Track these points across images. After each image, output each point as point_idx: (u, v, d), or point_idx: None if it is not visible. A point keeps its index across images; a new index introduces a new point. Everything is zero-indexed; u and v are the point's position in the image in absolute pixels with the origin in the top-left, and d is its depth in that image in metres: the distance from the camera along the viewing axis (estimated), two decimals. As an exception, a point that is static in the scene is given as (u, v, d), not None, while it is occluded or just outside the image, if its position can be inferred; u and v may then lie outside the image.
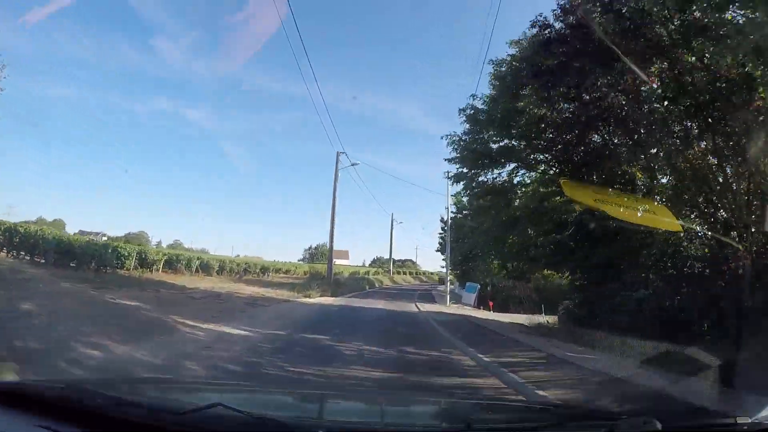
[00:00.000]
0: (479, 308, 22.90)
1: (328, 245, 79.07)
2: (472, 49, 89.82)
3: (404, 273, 75.49)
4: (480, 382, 6.28)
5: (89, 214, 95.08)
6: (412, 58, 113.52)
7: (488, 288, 24.88)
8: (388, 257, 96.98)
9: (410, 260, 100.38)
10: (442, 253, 51.01)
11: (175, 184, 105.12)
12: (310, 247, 79.21)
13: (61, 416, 1.36)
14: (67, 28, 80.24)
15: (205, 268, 27.18)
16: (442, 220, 48.45)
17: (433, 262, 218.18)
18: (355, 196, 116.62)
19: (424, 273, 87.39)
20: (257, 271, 35.58)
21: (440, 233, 50.85)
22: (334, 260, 68.85)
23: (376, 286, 45.11)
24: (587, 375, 6.68)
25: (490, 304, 22.34)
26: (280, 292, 21.57)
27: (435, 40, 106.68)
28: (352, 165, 32.27)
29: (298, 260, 62.09)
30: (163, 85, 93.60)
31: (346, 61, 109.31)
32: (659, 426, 1.34)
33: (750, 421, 1.33)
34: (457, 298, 27.71)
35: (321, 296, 22.44)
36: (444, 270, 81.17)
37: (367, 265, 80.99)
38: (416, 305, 21.77)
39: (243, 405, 1.49)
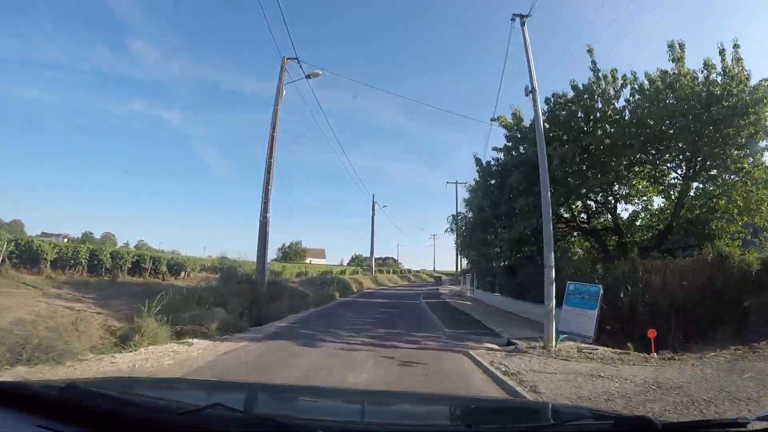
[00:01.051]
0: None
1: (300, 243, 72.26)
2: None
3: (388, 272, 67.21)
4: None
5: (69, 215, 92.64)
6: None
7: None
8: (367, 255, 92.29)
9: (392, 258, 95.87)
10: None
11: (151, 186, 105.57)
12: (282, 246, 71.69)
13: (61, 416, 1.36)
14: (41, 27, 77.78)
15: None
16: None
17: (418, 260, 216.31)
18: (333, 188, 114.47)
19: (408, 271, 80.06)
20: (150, 267, 26.32)
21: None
22: (309, 260, 55.29)
23: (354, 290, 30.89)
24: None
25: (651, 336, 8.37)
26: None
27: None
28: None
29: (272, 260, 57.73)
30: (136, 85, 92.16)
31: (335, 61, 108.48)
32: (659, 426, 1.34)
33: (750, 421, 1.31)
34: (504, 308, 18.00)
35: (203, 341, 8.65)
36: (441, 271, 69.87)
37: (345, 264, 74.36)
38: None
39: (243, 405, 1.53)
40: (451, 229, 28.52)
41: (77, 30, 78.37)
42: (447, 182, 43.24)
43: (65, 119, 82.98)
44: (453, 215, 29.76)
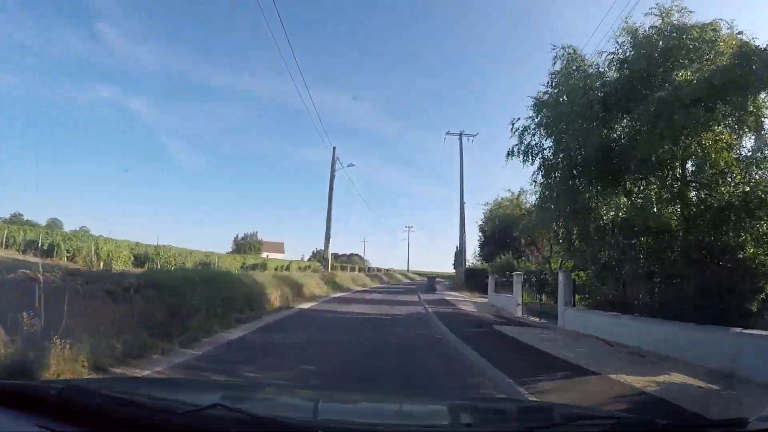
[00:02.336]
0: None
1: (256, 234, 65.51)
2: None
3: (352, 269, 57.27)
4: None
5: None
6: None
7: None
8: (332, 251, 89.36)
9: (357, 255, 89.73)
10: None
11: (111, 174, 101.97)
12: (236, 237, 66.03)
13: (61, 416, 1.36)
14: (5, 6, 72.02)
15: None
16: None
17: (388, 259, 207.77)
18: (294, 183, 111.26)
19: (378, 270, 69.87)
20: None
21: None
22: (266, 254, 48.09)
23: (272, 302, 13.76)
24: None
25: None
26: None
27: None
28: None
29: (227, 252, 51.19)
30: (103, 72, 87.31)
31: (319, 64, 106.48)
32: (659, 425, 1.36)
33: (751, 421, 1.33)
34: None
35: None
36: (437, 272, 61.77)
37: (306, 259, 68.51)
38: None
39: (243, 405, 1.50)
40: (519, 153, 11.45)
41: (45, 12, 73.05)
42: (448, 133, 34.62)
43: (28, 102, 77.13)
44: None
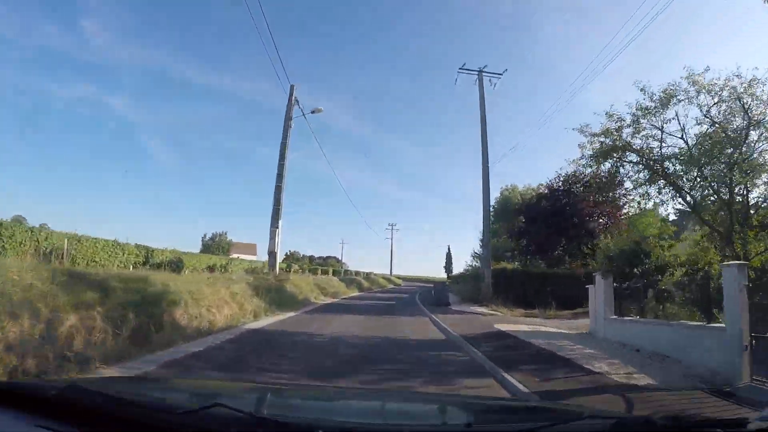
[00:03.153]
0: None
1: (225, 235, 59.93)
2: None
3: (325, 272, 50.79)
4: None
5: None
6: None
7: None
8: (305, 254, 78.72)
9: (334, 257, 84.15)
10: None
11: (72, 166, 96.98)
12: (204, 236, 60.59)
13: (61, 416, 1.36)
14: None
15: None
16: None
17: (368, 261, 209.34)
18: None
19: (357, 274, 62.56)
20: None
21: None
22: (237, 255, 41.52)
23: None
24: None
25: None
26: None
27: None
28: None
29: (200, 251, 45.73)
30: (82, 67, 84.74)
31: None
32: (659, 425, 1.36)
33: (750, 421, 1.34)
34: None
35: None
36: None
37: (280, 261, 65.29)
38: None
39: (243, 405, 1.48)
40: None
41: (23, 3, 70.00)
42: (460, 69, 24.78)
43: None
44: None
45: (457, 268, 69.94)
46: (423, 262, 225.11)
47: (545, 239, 23.35)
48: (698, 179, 13.08)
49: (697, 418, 1.43)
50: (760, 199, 13.05)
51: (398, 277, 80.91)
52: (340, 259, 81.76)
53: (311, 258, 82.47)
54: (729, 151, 12.43)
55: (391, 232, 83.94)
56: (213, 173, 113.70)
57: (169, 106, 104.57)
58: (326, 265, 69.46)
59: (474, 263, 48.29)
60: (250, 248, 59.41)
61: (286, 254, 66.89)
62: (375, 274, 68.54)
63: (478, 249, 41.85)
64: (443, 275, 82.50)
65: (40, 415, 1.36)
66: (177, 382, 3.25)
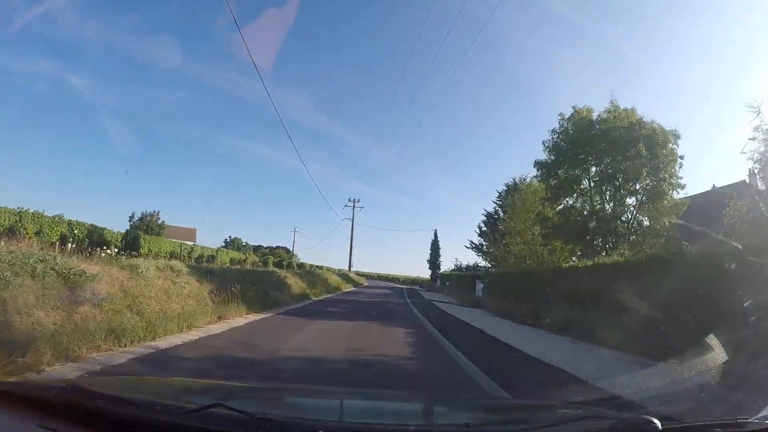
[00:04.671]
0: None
1: (158, 215, 46.57)
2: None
3: (266, 265, 38.92)
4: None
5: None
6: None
7: None
8: (246, 242, 65.46)
9: (284, 248, 73.06)
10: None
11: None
12: (132, 216, 48.83)
13: (62, 416, 1.37)
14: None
15: None
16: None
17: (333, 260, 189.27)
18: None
19: (311, 267, 52.06)
20: None
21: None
22: (173, 239, 32.46)
23: None
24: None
25: None
26: None
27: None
28: None
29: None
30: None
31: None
32: (659, 426, 1.36)
33: (750, 421, 1.37)
34: None
35: None
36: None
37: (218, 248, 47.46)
38: None
39: (243, 405, 1.48)
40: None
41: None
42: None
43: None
44: None
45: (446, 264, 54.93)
46: (400, 258, 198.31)
47: None
48: None
49: (696, 418, 1.48)
50: None
51: (363, 274, 69.91)
52: (290, 250, 70.25)
53: (258, 248, 70.34)
54: None
55: (352, 211, 58.21)
56: (174, 159, 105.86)
57: (131, 88, 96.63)
58: (274, 255, 60.43)
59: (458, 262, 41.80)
60: (189, 233, 47.87)
61: (225, 241, 61.04)
62: (331, 269, 54.88)
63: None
64: (423, 274, 67.35)
65: (41, 415, 1.38)
66: (177, 382, 3.29)
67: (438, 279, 47.67)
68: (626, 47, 60.95)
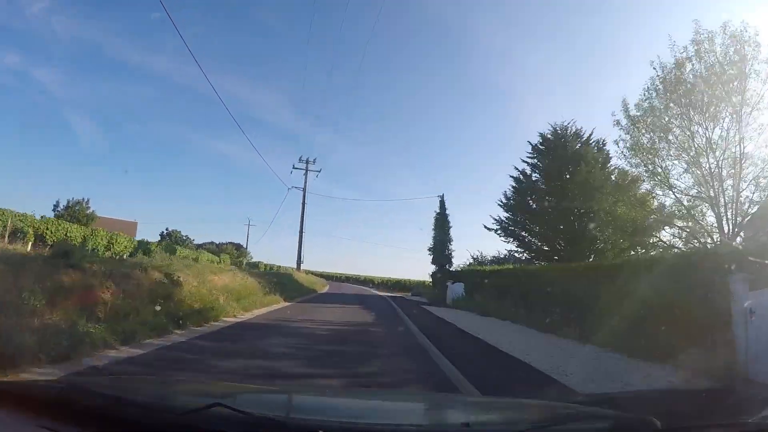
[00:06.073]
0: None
1: (87, 203, 37.70)
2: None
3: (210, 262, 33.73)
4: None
5: None
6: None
7: None
8: (187, 235, 56.36)
9: (235, 243, 66.52)
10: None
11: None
12: (57, 203, 39.74)
13: (61, 416, 1.37)
14: None
15: None
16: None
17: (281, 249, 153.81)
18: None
19: (266, 267, 49.13)
20: None
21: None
22: (111, 231, 27.19)
23: None
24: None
25: None
26: None
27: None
28: None
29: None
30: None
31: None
32: (659, 425, 1.36)
33: (750, 421, 1.38)
34: None
35: None
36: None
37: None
38: None
39: (243, 405, 1.47)
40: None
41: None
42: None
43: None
44: None
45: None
46: (385, 252, 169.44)
47: None
48: None
49: (698, 418, 1.51)
50: None
51: (322, 274, 60.01)
52: (244, 246, 63.67)
53: (202, 246, 58.40)
54: None
55: (304, 176, 39.56)
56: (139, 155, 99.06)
57: (97, 84, 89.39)
58: (222, 250, 55.44)
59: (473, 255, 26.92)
60: (129, 225, 42.06)
61: (162, 234, 53.54)
62: (281, 268, 46.61)
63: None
64: (414, 276, 56.38)
65: (40, 415, 1.37)
66: (177, 382, 3.29)
67: (450, 282, 27.14)
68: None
